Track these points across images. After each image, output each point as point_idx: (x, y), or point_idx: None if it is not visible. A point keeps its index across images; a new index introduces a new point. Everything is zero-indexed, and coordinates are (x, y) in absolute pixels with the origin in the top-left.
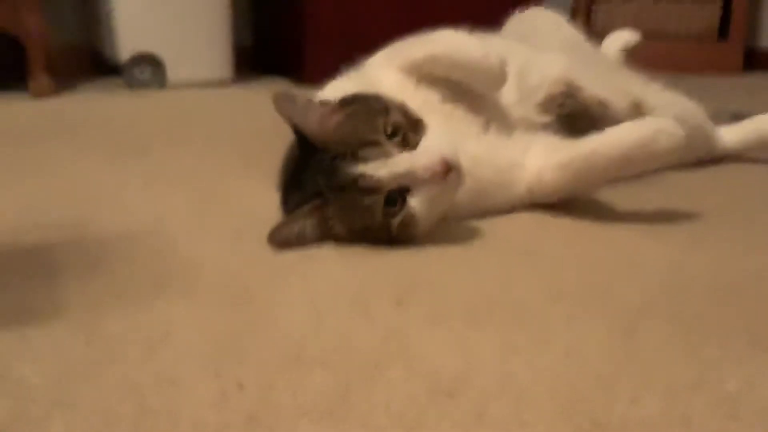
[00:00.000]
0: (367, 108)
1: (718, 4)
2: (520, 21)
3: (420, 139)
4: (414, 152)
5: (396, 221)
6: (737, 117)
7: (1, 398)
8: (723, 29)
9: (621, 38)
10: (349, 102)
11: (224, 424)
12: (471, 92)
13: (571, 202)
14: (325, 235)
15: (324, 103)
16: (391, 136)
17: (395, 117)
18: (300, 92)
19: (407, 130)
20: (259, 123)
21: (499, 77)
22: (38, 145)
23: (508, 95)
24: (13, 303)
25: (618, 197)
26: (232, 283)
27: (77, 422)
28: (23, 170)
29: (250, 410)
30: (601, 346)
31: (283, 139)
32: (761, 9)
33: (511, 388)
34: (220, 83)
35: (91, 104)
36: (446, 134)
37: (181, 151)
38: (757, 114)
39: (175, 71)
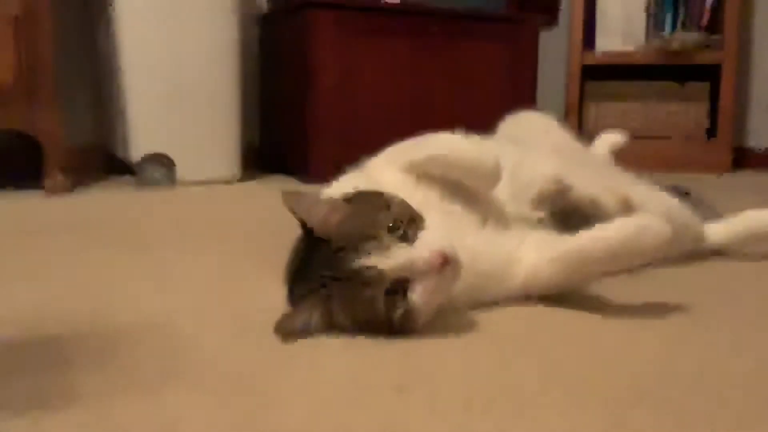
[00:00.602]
0: (369, 204)
1: (706, 105)
2: (513, 123)
3: (419, 234)
4: (413, 246)
5: (397, 313)
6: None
7: None
8: (711, 129)
9: (609, 139)
10: (352, 198)
11: None
12: (468, 190)
13: (564, 294)
14: (330, 325)
15: (329, 200)
16: (391, 230)
17: (396, 212)
18: (306, 189)
19: (407, 226)
20: (265, 219)
21: (493, 176)
22: (53, 241)
23: (502, 193)
24: (27, 391)
25: (610, 290)
26: (239, 374)
27: None
28: (38, 264)
29: None
30: None
31: (289, 234)
32: (748, 110)
33: None
34: (228, 181)
35: (104, 202)
36: (444, 229)
37: (191, 246)
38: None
39: (185, 170)
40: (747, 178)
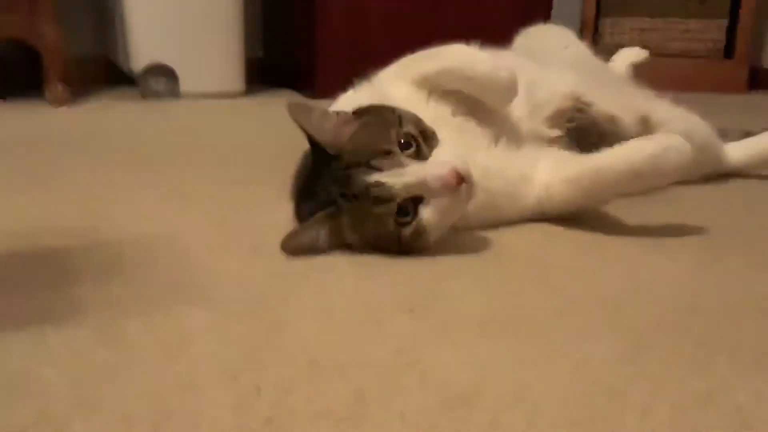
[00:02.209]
0: (381, 119)
1: (724, 23)
2: (529, 36)
3: (432, 151)
4: (426, 163)
5: (407, 231)
6: (748, 135)
7: (23, 400)
8: (728, 48)
9: (629, 55)
10: (364, 113)
11: (242, 427)
12: (481, 106)
13: (580, 215)
14: (338, 243)
15: (338, 114)
16: (404, 147)
17: (408, 128)
18: (314, 103)
19: (420, 142)
20: (270, 134)
21: (509, 91)
22: (54, 153)
23: (517, 109)
24: (32, 306)
25: (626, 212)
26: (247, 291)
27: (97, 424)
28: (39, 177)
29: (267, 414)
30: (612, 360)
31: (295, 149)
32: (766, 30)
33: (524, 399)
34: (231, 95)
35: (106, 113)
36: (458, 146)
37: (196, 160)
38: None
39: (188, 82)
40: (763, 98)
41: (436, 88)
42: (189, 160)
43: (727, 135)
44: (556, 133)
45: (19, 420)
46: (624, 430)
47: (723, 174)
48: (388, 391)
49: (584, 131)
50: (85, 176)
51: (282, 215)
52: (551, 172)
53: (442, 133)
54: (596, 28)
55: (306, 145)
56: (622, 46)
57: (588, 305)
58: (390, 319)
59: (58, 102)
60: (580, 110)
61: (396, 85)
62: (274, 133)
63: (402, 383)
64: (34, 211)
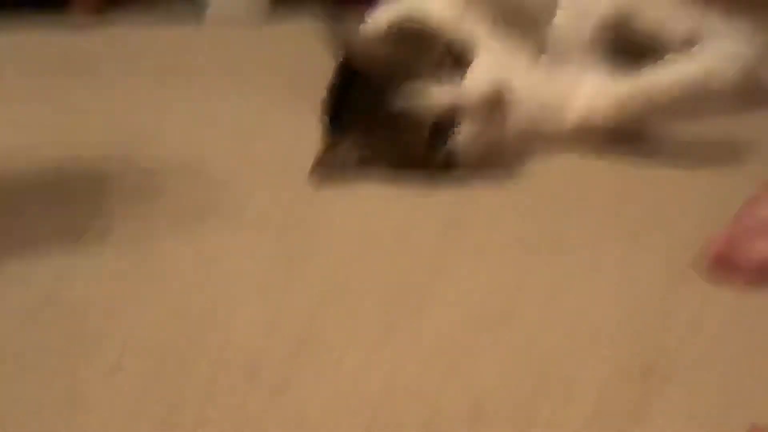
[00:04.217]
0: (415, 36)
1: None
2: None
3: (469, 68)
4: (463, 81)
5: (442, 153)
6: None
7: (55, 319)
8: None
9: None
10: (397, 30)
11: (274, 349)
12: (523, 18)
13: (619, 137)
14: (369, 165)
15: (372, 32)
16: (439, 66)
17: (444, 46)
18: (345, 19)
19: (456, 60)
20: (302, 58)
21: (550, 2)
22: (81, 74)
23: (561, 21)
24: (64, 228)
25: (670, 133)
26: (278, 213)
27: (131, 342)
28: (71, 97)
29: (299, 336)
30: (651, 290)
31: (326, 72)
32: None
33: (561, 322)
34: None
35: (135, 31)
36: (495, 64)
37: (225, 83)
38: None
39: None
40: None
41: None
42: (218, 82)
43: None
44: (599, 46)
45: (51, 341)
46: (673, 347)
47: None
48: (421, 312)
49: (629, 45)
50: (114, 95)
51: (312, 137)
52: (595, 90)
53: (479, 48)
54: None
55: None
56: None
57: (624, 231)
58: (425, 240)
59: (88, 14)
60: (623, 22)
61: None
62: (305, 56)
63: (435, 304)
64: (62, 137)
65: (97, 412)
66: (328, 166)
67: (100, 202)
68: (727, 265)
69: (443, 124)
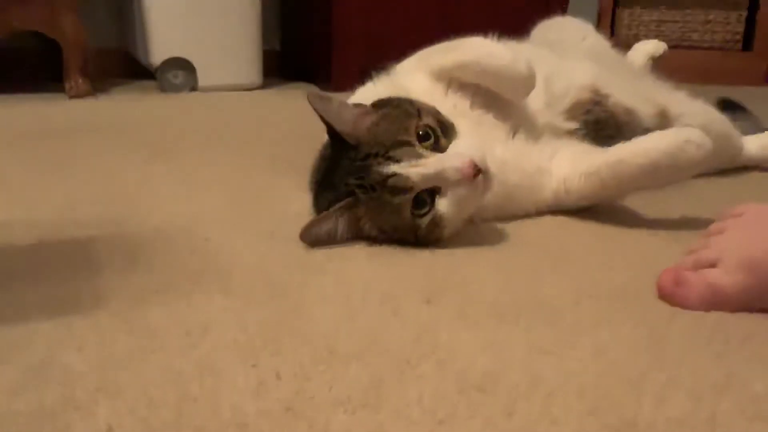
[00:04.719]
0: (399, 111)
1: (743, 14)
2: (546, 29)
3: (450, 143)
4: (444, 155)
5: (424, 221)
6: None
7: (49, 385)
8: (747, 40)
9: (647, 47)
10: (383, 104)
11: (263, 412)
12: (499, 98)
13: (596, 207)
14: (356, 234)
15: (358, 105)
16: (422, 138)
17: (427, 120)
18: (332, 95)
19: (438, 134)
20: (288, 126)
21: (527, 83)
22: (74, 144)
23: (535, 101)
24: (57, 295)
25: (643, 204)
26: (266, 279)
27: (122, 408)
28: (60, 168)
29: (287, 400)
30: (629, 348)
31: (312, 141)
32: None
33: (540, 386)
34: (248, 88)
35: (126, 105)
36: (476, 139)
37: (214, 152)
38: None
39: (205, 76)
40: None
41: (454, 80)
42: (208, 152)
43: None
44: (573, 125)
45: (45, 404)
46: (640, 418)
47: (741, 166)
48: (406, 378)
49: (602, 124)
50: (106, 167)
51: (300, 205)
52: (569, 165)
53: (460, 126)
54: (613, 20)
55: (324, 137)
56: (640, 38)
57: (604, 294)
58: (407, 307)
59: (78, 94)
60: (597, 102)
61: (414, 77)
62: (291, 124)
63: (419, 370)
64: (56, 202)
65: None
66: (317, 234)
67: (93, 272)
68: (680, 286)
69: (427, 193)
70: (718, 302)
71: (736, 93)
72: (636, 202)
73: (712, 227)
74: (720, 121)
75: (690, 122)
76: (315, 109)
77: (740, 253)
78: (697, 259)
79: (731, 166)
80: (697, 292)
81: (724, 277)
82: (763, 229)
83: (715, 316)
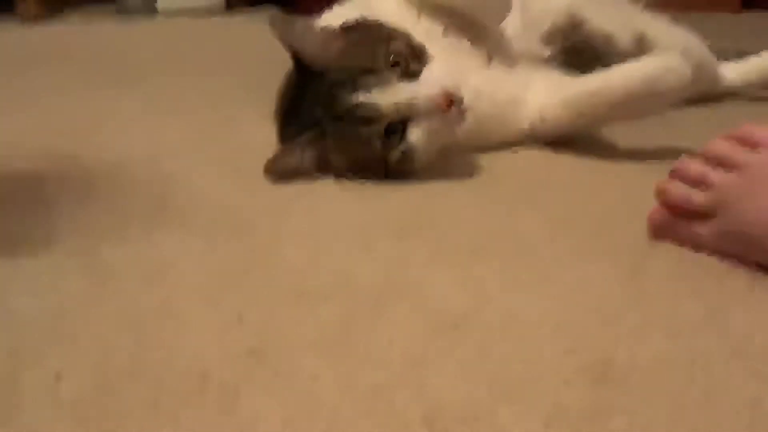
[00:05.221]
0: (369, 35)
1: None
2: None
3: (422, 70)
4: (416, 83)
5: (395, 154)
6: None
7: None
8: None
9: None
10: (351, 28)
11: (226, 357)
12: (474, 24)
13: (573, 138)
14: (323, 167)
15: (324, 29)
16: (393, 64)
17: (398, 45)
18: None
19: (410, 60)
20: (252, 53)
21: (501, 7)
22: (27, 73)
23: (510, 27)
24: (6, 233)
25: (620, 135)
26: (230, 216)
27: (75, 355)
28: (11, 97)
29: (251, 343)
30: (606, 284)
31: (278, 69)
32: None
33: (516, 324)
34: (211, 12)
35: (82, 31)
36: (449, 66)
37: (174, 80)
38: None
39: None
40: (758, 19)
41: (426, 3)
42: (167, 80)
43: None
44: (549, 52)
45: None
46: (617, 356)
47: (718, 94)
48: (377, 317)
49: (579, 50)
50: (61, 97)
51: (264, 136)
52: (545, 93)
53: (432, 52)
54: None
55: (289, 64)
56: None
57: (581, 228)
58: (378, 244)
59: (31, 18)
60: (575, 28)
61: (384, 0)
62: (257, 51)
63: (391, 309)
64: (7, 134)
65: (39, 422)
66: (283, 168)
67: (46, 208)
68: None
69: (398, 123)
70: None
71: (710, 20)
72: (613, 133)
73: (722, 149)
74: (698, 47)
75: (668, 48)
76: (276, 34)
77: (735, 218)
78: (688, 204)
79: (709, 94)
80: (682, 242)
81: (712, 239)
82: None
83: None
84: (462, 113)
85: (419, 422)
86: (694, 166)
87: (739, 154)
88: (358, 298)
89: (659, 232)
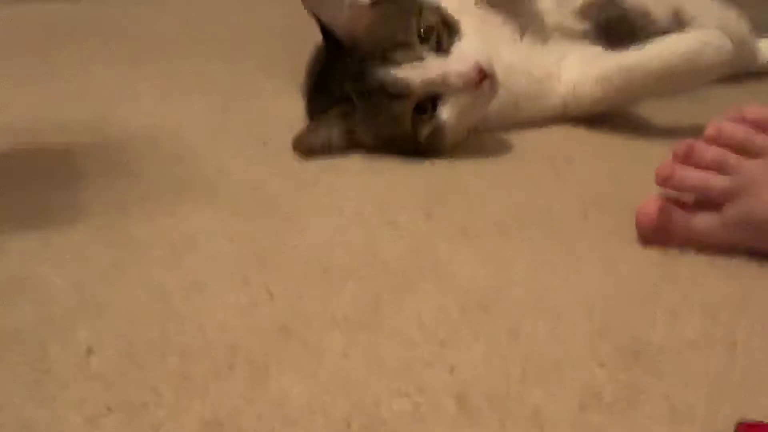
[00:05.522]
0: (399, 8)
1: None
2: None
3: (454, 44)
4: (447, 57)
5: (425, 130)
6: None
7: (25, 302)
8: None
9: None
10: (381, 1)
11: (253, 331)
12: None
13: (604, 115)
14: (352, 143)
15: (355, 2)
16: (424, 38)
17: (429, 18)
18: None
19: (441, 34)
20: (280, 25)
21: None
22: (51, 49)
23: (544, 0)
24: (34, 205)
25: (652, 111)
26: (257, 191)
27: (102, 326)
28: (38, 72)
29: (280, 319)
30: (639, 263)
31: (306, 41)
32: None
33: (547, 304)
34: None
35: (106, 6)
36: (481, 40)
37: (201, 54)
38: None
39: None
40: None
41: None
42: (194, 53)
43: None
44: (584, 26)
45: (18, 324)
46: (654, 339)
47: (755, 72)
48: (405, 295)
49: (614, 24)
50: (85, 71)
51: (292, 109)
52: (579, 69)
53: (464, 25)
54: None
55: (318, 37)
56: None
57: (612, 206)
58: (406, 221)
59: None
60: (610, 2)
61: None
62: (284, 23)
63: (419, 287)
64: (34, 107)
65: (69, 395)
66: (311, 144)
67: (72, 181)
68: (661, 235)
69: (428, 99)
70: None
71: None
72: (644, 110)
73: (740, 132)
74: (737, 22)
75: (706, 23)
76: (307, 7)
77: (756, 206)
78: (704, 187)
79: (745, 71)
80: (678, 242)
81: (717, 231)
82: None
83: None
84: (494, 89)
85: (450, 400)
86: (713, 150)
87: (760, 138)
88: (384, 276)
89: (651, 230)
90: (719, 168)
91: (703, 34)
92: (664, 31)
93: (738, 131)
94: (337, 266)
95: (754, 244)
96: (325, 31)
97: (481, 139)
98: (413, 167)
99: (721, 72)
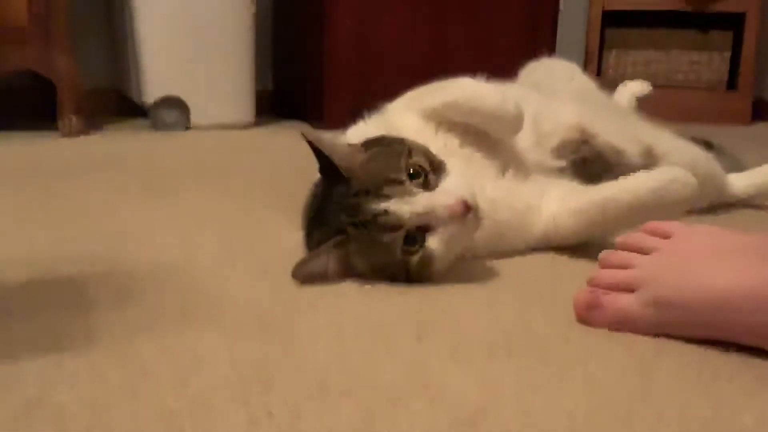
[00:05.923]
0: (390, 149)
1: (727, 55)
2: (534, 70)
3: (440, 181)
4: (434, 192)
5: (415, 259)
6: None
7: (40, 424)
8: (732, 80)
9: (633, 88)
10: (374, 143)
11: None
12: (488, 137)
13: (585, 244)
14: (347, 271)
15: (349, 144)
16: (413, 176)
17: (418, 159)
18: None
19: (429, 172)
20: (281, 164)
21: (515, 123)
22: (68, 182)
23: (523, 140)
24: (48, 331)
25: None
26: (258, 315)
27: None
28: (54, 206)
29: None
30: (617, 383)
31: (304, 179)
32: None
33: (531, 422)
34: (242, 126)
35: (119, 144)
36: (466, 177)
37: (207, 190)
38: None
39: (198, 114)
40: (766, 129)
41: (444, 120)
42: (201, 189)
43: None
44: (561, 163)
45: None
46: None
47: (726, 204)
48: (398, 414)
49: (589, 162)
50: (99, 205)
51: (293, 243)
52: (558, 202)
53: (450, 164)
54: (600, 61)
55: (315, 175)
56: (626, 78)
57: (592, 329)
58: (399, 343)
59: (72, 133)
60: (585, 142)
61: (405, 117)
62: (284, 162)
63: (411, 406)
64: (49, 240)
65: None
66: (309, 272)
67: (85, 309)
68: (594, 313)
69: (417, 231)
70: (625, 326)
71: (721, 132)
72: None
73: (636, 239)
74: (705, 159)
75: (676, 161)
76: (309, 142)
77: (656, 289)
78: (615, 281)
79: (717, 203)
80: (608, 317)
81: (635, 307)
82: (685, 261)
83: (702, 348)
84: (478, 221)
85: None
86: (616, 254)
87: (652, 241)
88: (379, 395)
89: (585, 310)
90: (625, 267)
91: (670, 171)
92: (636, 168)
93: (635, 237)
94: (334, 387)
95: (677, 329)
96: (323, 166)
97: (469, 266)
98: (405, 293)
99: (688, 205)
